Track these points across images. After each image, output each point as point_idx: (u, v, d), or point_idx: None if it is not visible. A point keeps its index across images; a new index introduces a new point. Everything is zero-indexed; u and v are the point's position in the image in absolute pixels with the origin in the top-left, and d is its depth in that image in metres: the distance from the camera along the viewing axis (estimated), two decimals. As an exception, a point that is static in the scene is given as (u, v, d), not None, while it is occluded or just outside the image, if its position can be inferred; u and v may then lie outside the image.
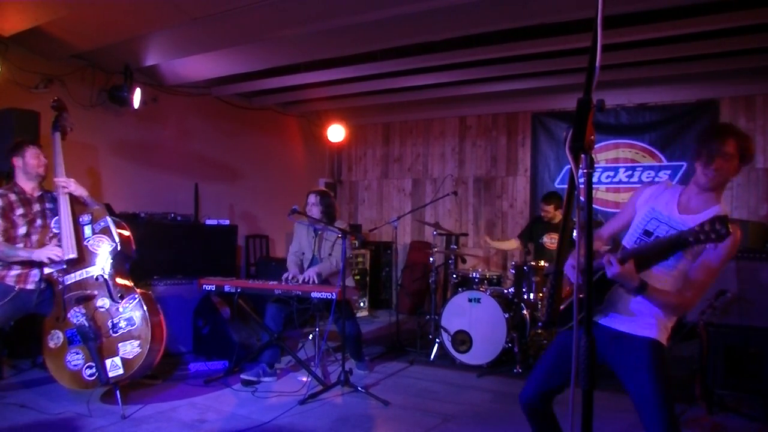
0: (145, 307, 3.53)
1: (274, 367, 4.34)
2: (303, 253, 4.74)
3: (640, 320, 2.13)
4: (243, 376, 4.17)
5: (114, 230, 3.65)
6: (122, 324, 3.50)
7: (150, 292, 3.78)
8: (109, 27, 4.54)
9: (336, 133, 7.91)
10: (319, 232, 4.66)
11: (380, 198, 8.57)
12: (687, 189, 2.22)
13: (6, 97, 4.71)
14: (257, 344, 4.68)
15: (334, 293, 3.99)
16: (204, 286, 4.39)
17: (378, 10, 4.15)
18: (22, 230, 3.55)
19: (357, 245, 7.28)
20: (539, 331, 4.86)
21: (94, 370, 3.43)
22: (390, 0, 4.01)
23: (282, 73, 6.03)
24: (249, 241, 7.15)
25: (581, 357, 1.15)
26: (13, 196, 3.57)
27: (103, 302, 3.54)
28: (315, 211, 4.51)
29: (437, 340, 4.99)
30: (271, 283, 4.38)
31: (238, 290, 4.31)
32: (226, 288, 4.30)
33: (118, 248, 3.62)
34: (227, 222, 6.07)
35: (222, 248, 5.95)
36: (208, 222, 5.94)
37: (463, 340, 4.76)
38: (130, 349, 3.47)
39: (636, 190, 2.44)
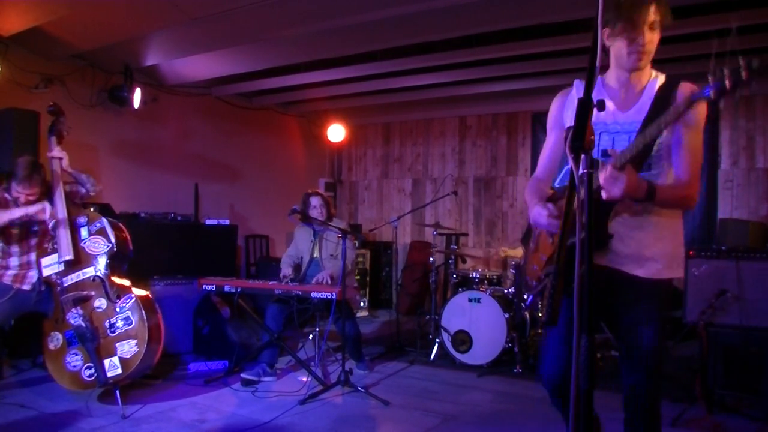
0: (141, 307, 3.55)
1: (274, 367, 4.34)
2: (301, 257, 4.75)
3: (651, 262, 1.88)
4: (243, 375, 4.17)
5: (110, 231, 3.66)
6: (119, 324, 3.51)
7: (149, 293, 3.79)
8: (109, 27, 4.54)
9: (336, 133, 7.91)
10: (319, 234, 4.68)
11: (380, 198, 8.57)
12: (608, 80, 1.95)
13: (6, 97, 4.71)
14: (257, 344, 4.69)
15: (334, 293, 4.00)
16: (204, 286, 4.39)
17: (378, 10, 4.15)
18: (16, 230, 3.58)
19: (357, 245, 7.29)
20: (539, 331, 4.86)
21: (93, 370, 3.44)
22: (390, 0, 4.01)
23: (282, 73, 6.03)
24: (249, 241, 7.15)
25: (581, 357, 1.15)
26: (8, 196, 3.59)
27: (101, 302, 3.55)
28: (321, 213, 4.56)
29: (437, 340, 4.99)
30: (271, 283, 4.39)
31: (238, 290, 4.31)
32: (226, 288, 4.30)
33: (114, 249, 3.63)
34: (227, 222, 6.07)
35: (222, 248, 5.94)
36: (208, 222, 5.93)
37: (463, 340, 4.76)
38: (127, 348, 3.48)
39: (549, 112, 2.17)
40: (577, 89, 2.06)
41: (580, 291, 1.19)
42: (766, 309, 3.57)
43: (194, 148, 6.64)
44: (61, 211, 3.56)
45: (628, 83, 1.90)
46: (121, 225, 3.81)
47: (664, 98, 1.81)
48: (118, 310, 3.54)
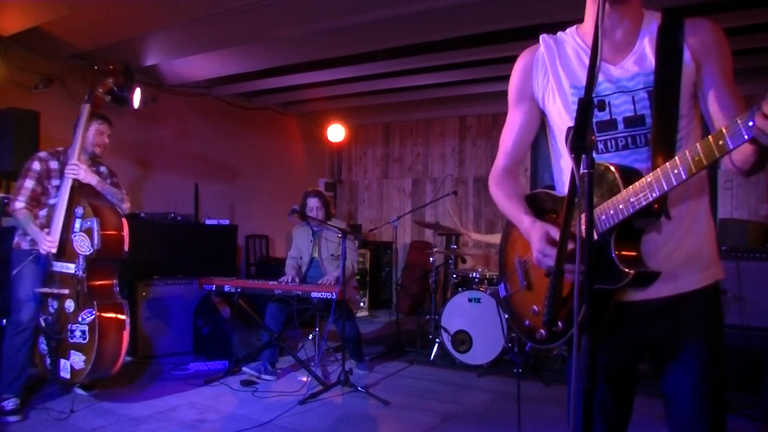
0: (98, 329, 3.36)
1: (274, 366, 4.35)
2: (301, 257, 4.76)
3: (692, 263, 1.49)
4: (245, 368, 4.23)
5: (96, 234, 3.43)
6: (78, 333, 3.39)
7: (121, 302, 3.57)
8: (109, 27, 4.55)
9: (336, 133, 7.92)
10: (318, 234, 4.69)
11: (380, 198, 8.57)
12: (584, 33, 1.57)
13: (6, 97, 4.71)
14: (257, 344, 4.69)
15: (333, 293, 4.00)
16: (204, 286, 4.40)
17: (378, 10, 4.15)
18: (53, 201, 3.46)
19: (357, 245, 7.31)
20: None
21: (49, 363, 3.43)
22: (390, 0, 4.01)
23: (282, 73, 6.03)
24: (249, 241, 7.15)
25: (581, 357, 1.15)
26: (54, 164, 3.44)
27: (69, 304, 3.42)
28: (320, 214, 4.56)
29: (437, 340, 4.99)
30: (271, 283, 4.39)
31: (238, 290, 4.32)
32: (226, 288, 4.31)
33: (93, 255, 3.43)
34: (227, 222, 6.07)
35: (222, 248, 5.95)
36: (208, 222, 5.94)
37: (463, 340, 4.76)
38: (77, 360, 3.39)
39: (512, 78, 1.75)
40: (545, 46, 1.69)
41: (581, 291, 1.19)
42: (765, 309, 3.58)
43: (194, 148, 6.64)
44: (63, 199, 3.38)
45: (612, 28, 1.45)
46: (124, 222, 3.61)
47: (669, 42, 1.43)
48: (80, 320, 3.39)
